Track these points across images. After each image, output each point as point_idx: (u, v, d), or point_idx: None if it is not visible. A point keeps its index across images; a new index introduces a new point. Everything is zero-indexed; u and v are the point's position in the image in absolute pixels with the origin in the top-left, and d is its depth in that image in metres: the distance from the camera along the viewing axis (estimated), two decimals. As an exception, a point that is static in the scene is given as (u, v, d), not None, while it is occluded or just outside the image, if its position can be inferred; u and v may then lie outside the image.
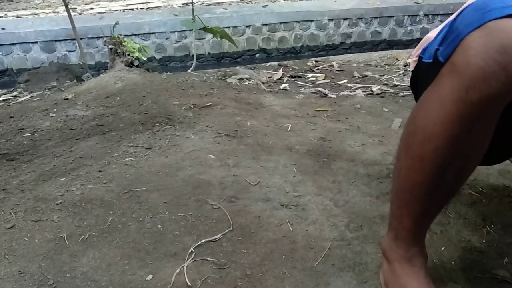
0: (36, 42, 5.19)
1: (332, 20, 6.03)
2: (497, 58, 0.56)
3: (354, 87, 2.41)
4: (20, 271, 0.92)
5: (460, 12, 0.65)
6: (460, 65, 0.60)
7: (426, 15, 6.31)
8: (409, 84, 1.32)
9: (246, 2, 6.73)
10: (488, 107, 0.60)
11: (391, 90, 2.29)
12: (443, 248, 0.98)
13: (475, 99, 0.59)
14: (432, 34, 0.97)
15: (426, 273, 0.78)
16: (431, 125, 0.65)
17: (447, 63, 0.64)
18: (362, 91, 2.31)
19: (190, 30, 5.17)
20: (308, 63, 3.07)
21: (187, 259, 0.95)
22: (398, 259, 0.79)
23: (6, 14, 6.09)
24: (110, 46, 2.56)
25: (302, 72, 2.79)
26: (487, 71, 0.57)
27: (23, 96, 2.40)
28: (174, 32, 5.55)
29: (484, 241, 1.00)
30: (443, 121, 0.64)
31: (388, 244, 0.81)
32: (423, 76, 0.88)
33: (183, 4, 6.64)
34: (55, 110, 1.96)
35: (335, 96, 2.21)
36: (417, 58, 0.98)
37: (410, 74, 1.05)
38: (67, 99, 2.10)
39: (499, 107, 0.62)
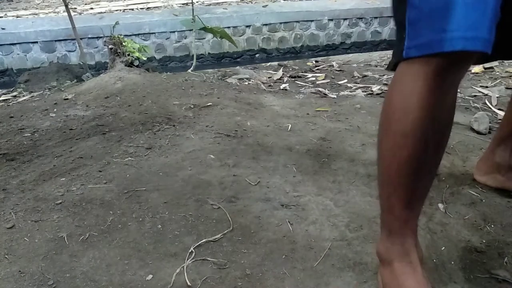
0: (36, 42, 5.19)
1: (332, 20, 6.03)
2: None
3: (354, 87, 2.41)
4: (20, 271, 0.92)
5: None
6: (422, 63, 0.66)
7: (426, 15, 6.29)
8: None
9: (246, 2, 6.73)
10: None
11: (391, 90, 2.29)
12: (443, 248, 0.98)
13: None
14: None
15: (422, 270, 0.80)
16: (407, 98, 0.69)
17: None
18: (362, 91, 2.31)
19: (190, 30, 5.18)
20: (308, 63, 3.07)
21: (187, 259, 0.95)
22: (396, 257, 0.80)
23: (6, 14, 6.09)
24: (110, 46, 2.56)
25: (302, 72, 2.79)
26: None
27: (23, 96, 2.39)
28: (174, 32, 5.55)
29: (484, 241, 1.00)
30: (418, 92, 0.68)
31: (384, 245, 0.82)
32: None
33: (183, 4, 6.64)
34: (55, 110, 1.96)
35: (335, 96, 2.21)
36: None
37: None
38: (67, 99, 2.10)
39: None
